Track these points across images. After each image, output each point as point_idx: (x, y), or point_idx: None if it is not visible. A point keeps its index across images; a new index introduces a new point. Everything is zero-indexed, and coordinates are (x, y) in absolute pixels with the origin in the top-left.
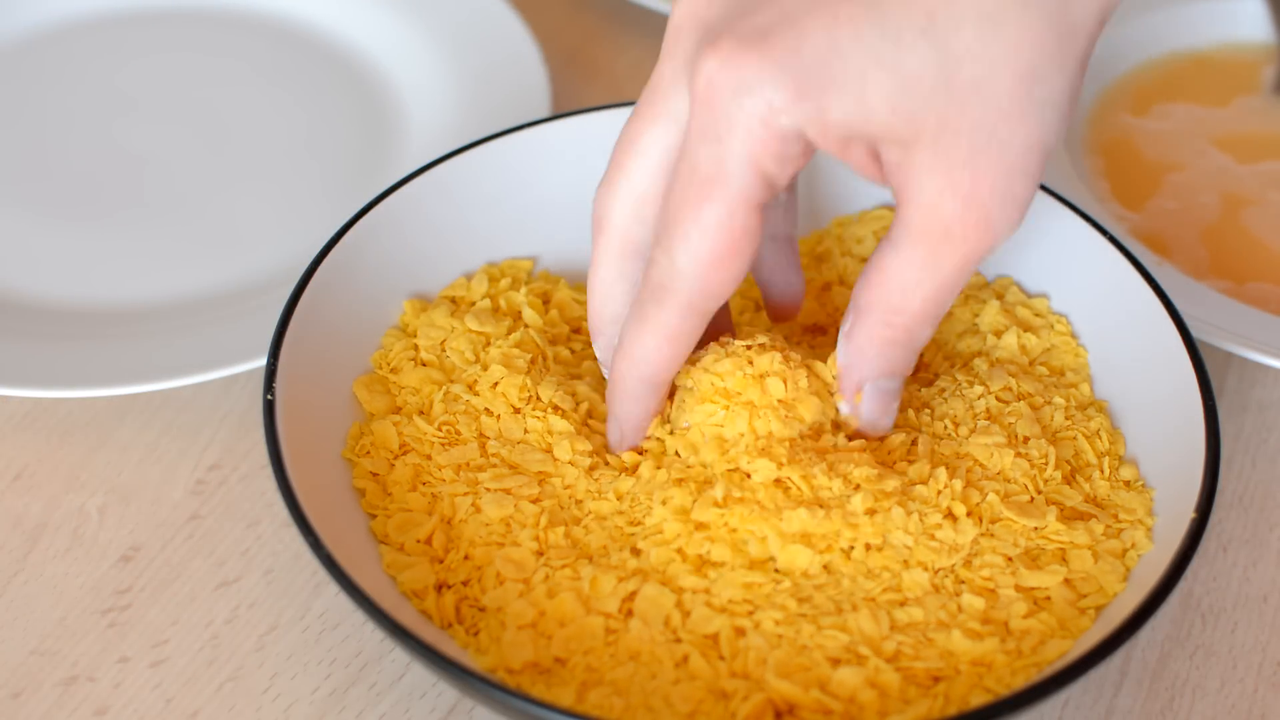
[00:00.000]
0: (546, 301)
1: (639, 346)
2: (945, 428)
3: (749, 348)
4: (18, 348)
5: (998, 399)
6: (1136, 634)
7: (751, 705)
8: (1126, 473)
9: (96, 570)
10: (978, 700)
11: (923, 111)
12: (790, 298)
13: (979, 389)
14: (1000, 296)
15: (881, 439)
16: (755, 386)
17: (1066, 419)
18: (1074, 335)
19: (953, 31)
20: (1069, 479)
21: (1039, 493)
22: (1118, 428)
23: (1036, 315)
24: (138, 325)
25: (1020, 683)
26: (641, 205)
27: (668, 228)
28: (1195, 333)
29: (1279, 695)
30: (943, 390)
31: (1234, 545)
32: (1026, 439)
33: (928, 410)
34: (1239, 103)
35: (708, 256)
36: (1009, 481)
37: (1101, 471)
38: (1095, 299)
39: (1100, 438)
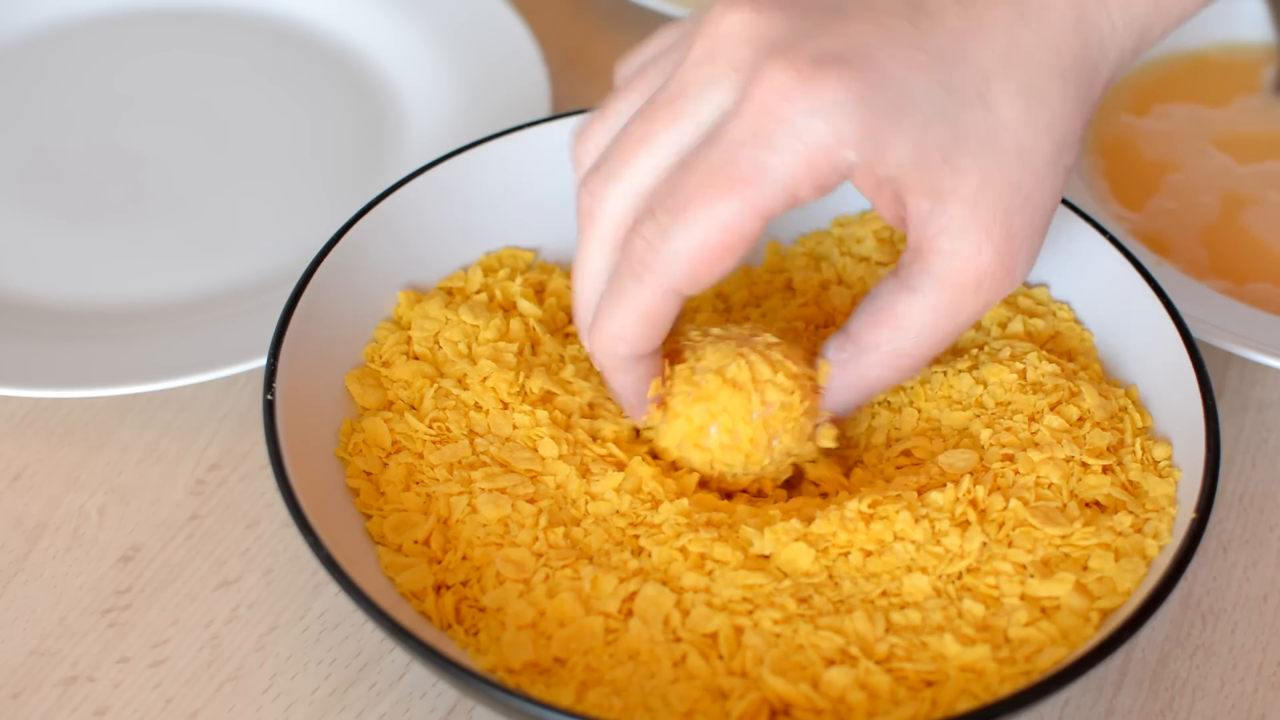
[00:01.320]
0: (541, 291)
1: (613, 320)
2: (1007, 416)
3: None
4: (18, 348)
5: (1054, 370)
6: (1136, 634)
7: (746, 704)
8: (1159, 452)
9: (96, 570)
10: (964, 706)
11: (971, 168)
12: None
13: (1018, 366)
14: None
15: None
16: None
17: (1101, 396)
18: (1077, 320)
19: (1004, 98)
20: (1110, 469)
21: (1072, 496)
22: (1143, 404)
23: (1038, 304)
24: (138, 325)
25: (1007, 690)
26: (640, 200)
27: (672, 205)
28: (1195, 333)
29: (1279, 695)
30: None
31: (1234, 545)
32: (1082, 418)
33: (982, 388)
34: (1239, 103)
35: (708, 248)
36: (1042, 485)
37: (1134, 453)
38: (1095, 299)
39: (1131, 414)
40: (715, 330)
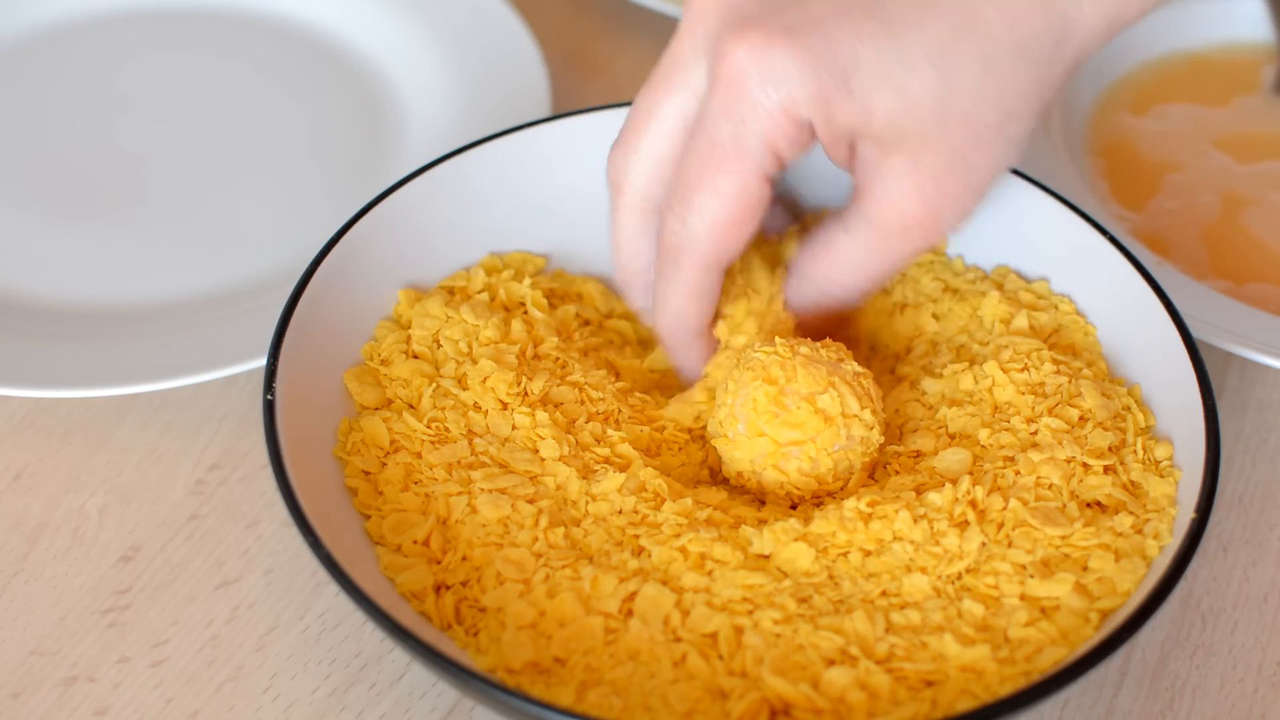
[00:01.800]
0: (551, 295)
1: (669, 306)
2: (1007, 414)
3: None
4: (18, 348)
5: (1054, 370)
6: (1136, 635)
7: (746, 704)
8: (1160, 452)
9: (96, 570)
10: (964, 706)
11: (914, 129)
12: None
13: (1026, 370)
14: (999, 286)
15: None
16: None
17: (1103, 396)
18: (1080, 313)
19: (955, 67)
20: (1111, 469)
21: (1072, 497)
22: (1146, 404)
23: (1040, 298)
24: (138, 325)
25: (1007, 690)
26: (657, 167)
27: (682, 194)
28: (1195, 333)
29: (1279, 695)
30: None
31: (1234, 545)
32: (1084, 418)
33: (983, 391)
34: (1239, 103)
35: (723, 220)
36: (1042, 486)
37: (1136, 453)
38: (1095, 299)
39: (1134, 413)
40: (804, 349)
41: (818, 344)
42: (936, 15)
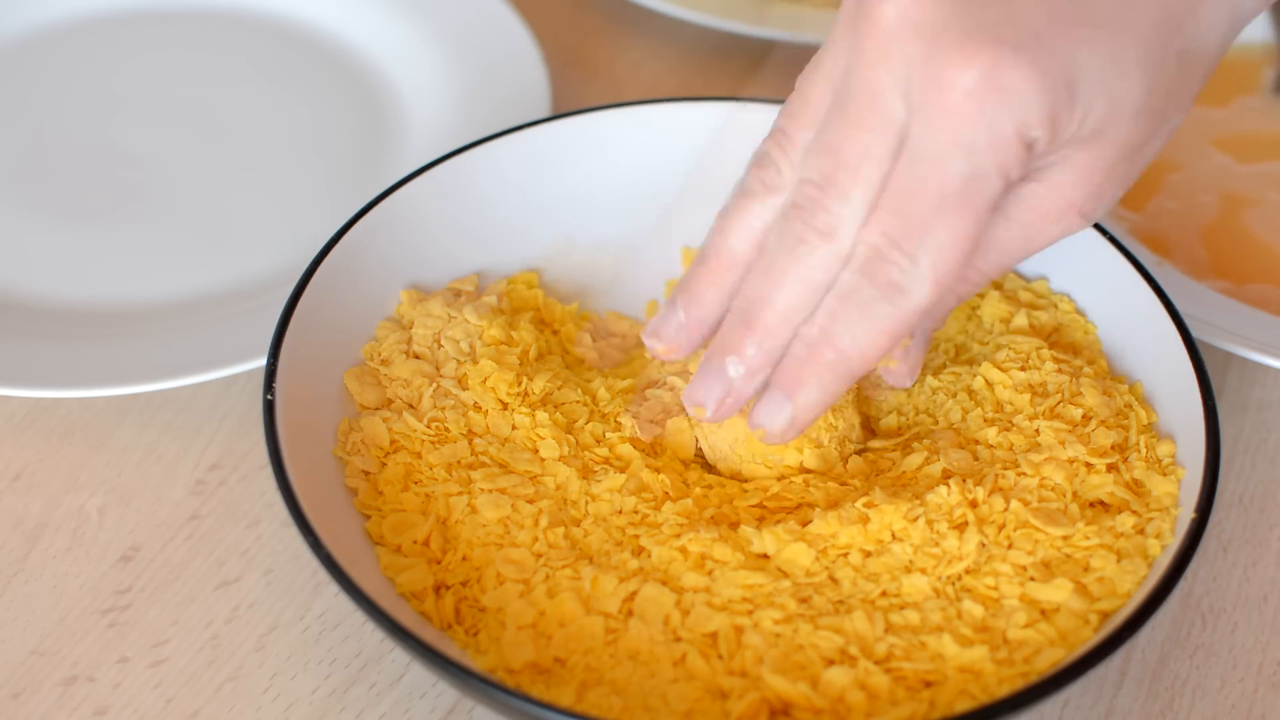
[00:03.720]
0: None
1: (862, 342)
2: (1006, 414)
3: None
4: (18, 348)
5: (1055, 369)
6: (1136, 634)
7: (746, 704)
8: (1163, 449)
9: (96, 570)
10: (962, 706)
11: (1112, 131)
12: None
13: (1024, 371)
14: (999, 285)
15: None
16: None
17: (1105, 394)
18: (1080, 311)
19: (1157, 66)
20: (1114, 467)
21: (1075, 497)
22: (1151, 397)
23: (1039, 296)
24: (138, 325)
25: (1005, 691)
26: (870, 210)
27: (909, 229)
28: (1195, 333)
29: (1279, 695)
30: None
31: (1234, 545)
32: (1087, 416)
33: (985, 391)
34: (1239, 103)
35: (956, 261)
36: (1045, 487)
37: (1139, 451)
38: (1094, 299)
39: (1136, 411)
40: None
41: None
42: (1138, 9)
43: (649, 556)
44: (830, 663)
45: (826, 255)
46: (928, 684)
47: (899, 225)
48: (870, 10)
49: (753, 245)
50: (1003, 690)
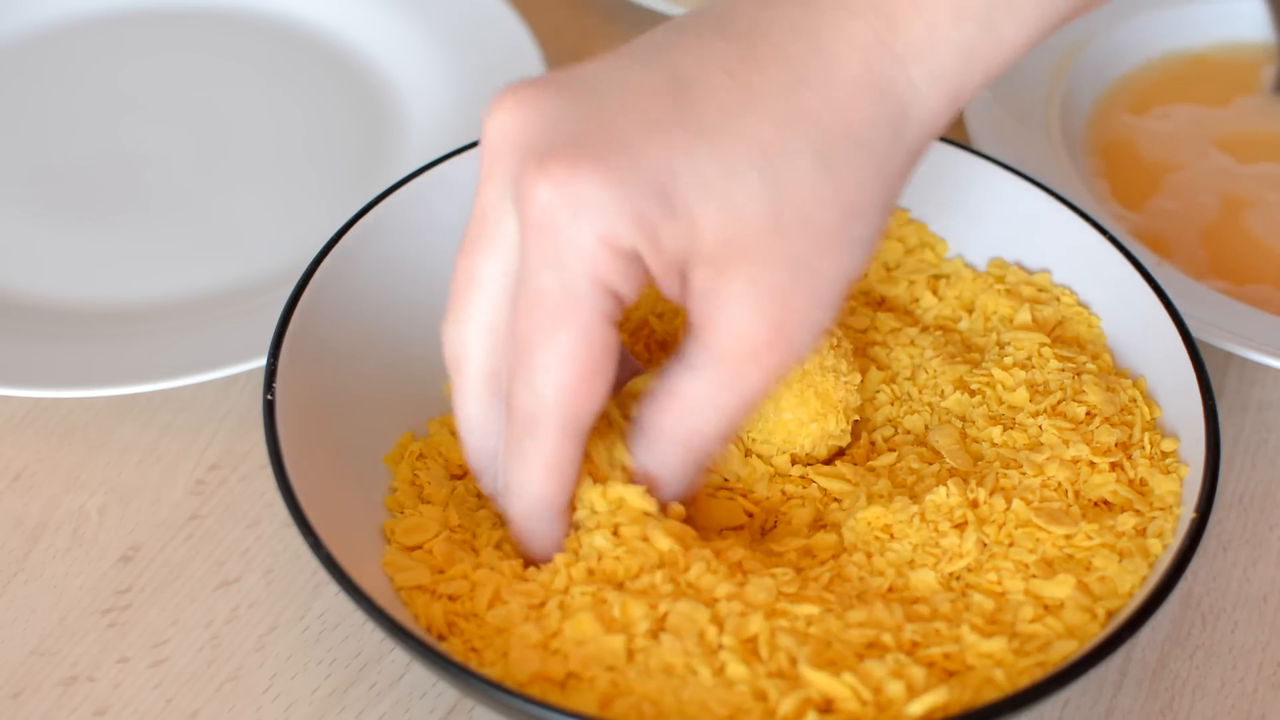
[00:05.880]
0: None
1: (528, 484)
2: (1007, 410)
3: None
4: (18, 348)
5: (1058, 367)
6: (1136, 634)
7: (794, 704)
8: (1167, 445)
9: (96, 570)
10: (989, 695)
11: (748, 243)
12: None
13: (1024, 369)
14: (1000, 280)
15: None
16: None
17: (1108, 390)
18: (1083, 304)
19: (785, 166)
20: (1118, 465)
21: (1077, 496)
22: (1152, 397)
23: (1041, 290)
24: (138, 325)
25: (1025, 681)
26: (494, 335)
27: (523, 358)
28: (1195, 333)
29: (1279, 695)
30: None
31: (1234, 545)
32: (1090, 414)
33: (989, 389)
34: (1239, 103)
35: (573, 380)
36: (1048, 487)
37: (1142, 448)
38: (1094, 299)
39: (1140, 407)
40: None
41: None
42: (756, 115)
43: (685, 574)
44: (861, 657)
45: (465, 387)
46: (951, 674)
47: (515, 356)
48: (484, 124)
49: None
50: (1024, 680)
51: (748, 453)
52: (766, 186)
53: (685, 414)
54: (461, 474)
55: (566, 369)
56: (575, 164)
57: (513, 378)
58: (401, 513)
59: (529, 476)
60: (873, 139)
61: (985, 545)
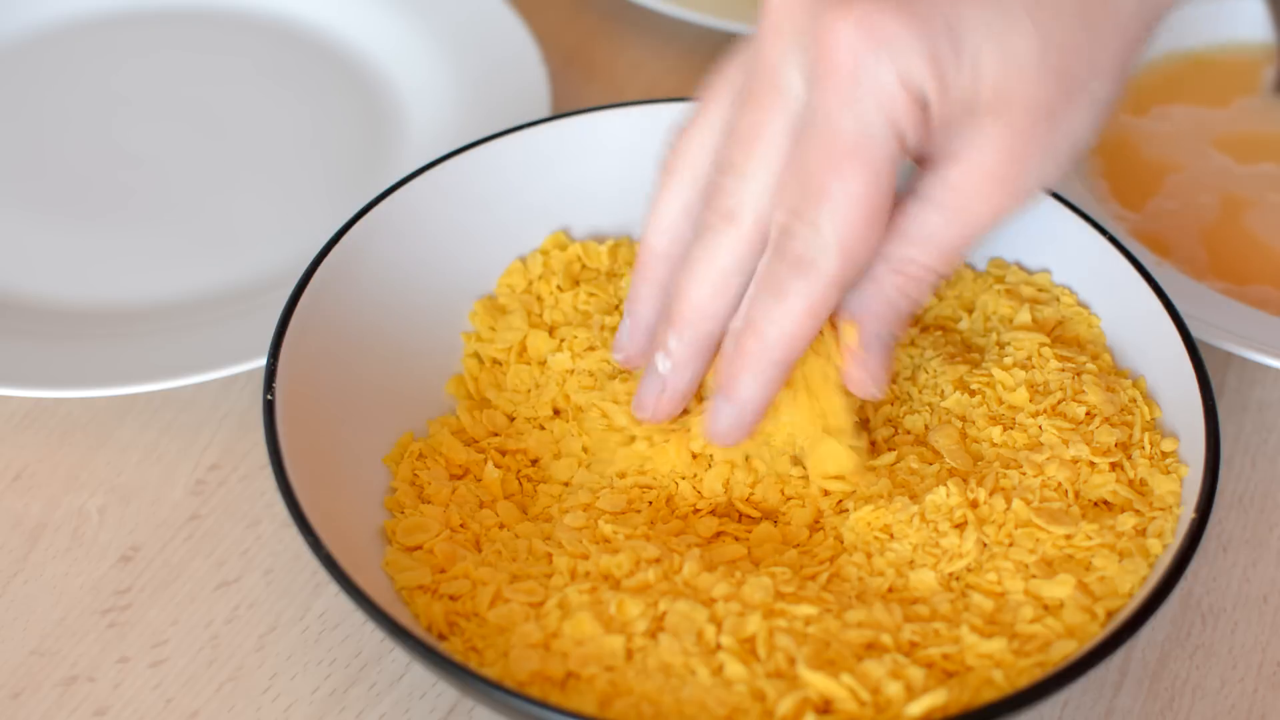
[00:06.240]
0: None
1: (782, 324)
2: (1006, 410)
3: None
4: (18, 348)
5: (1058, 367)
6: (1136, 634)
7: (792, 704)
8: (1167, 445)
9: (96, 570)
10: (988, 696)
11: (1015, 90)
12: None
13: (1021, 370)
14: (1000, 280)
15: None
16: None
17: (1108, 390)
18: (1083, 304)
19: (1053, 19)
20: (1118, 465)
21: (1077, 497)
22: (1152, 397)
23: (1041, 290)
24: (138, 325)
25: (1025, 682)
26: (774, 193)
27: (810, 198)
28: (1195, 333)
29: (1279, 695)
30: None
31: (1234, 545)
32: (1090, 414)
33: (987, 388)
34: (1239, 103)
35: (859, 223)
36: (1048, 487)
37: (1142, 448)
38: (1094, 298)
39: (1140, 407)
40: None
41: None
42: None
43: (679, 574)
44: (860, 657)
45: (732, 239)
46: (950, 674)
47: (798, 195)
48: None
49: (672, 237)
50: (1023, 680)
51: (748, 457)
52: (1040, 37)
53: (905, 242)
54: (462, 474)
55: (854, 209)
56: (876, 5)
57: (791, 218)
58: (401, 513)
59: (787, 319)
60: (1120, 5)
61: (985, 545)
